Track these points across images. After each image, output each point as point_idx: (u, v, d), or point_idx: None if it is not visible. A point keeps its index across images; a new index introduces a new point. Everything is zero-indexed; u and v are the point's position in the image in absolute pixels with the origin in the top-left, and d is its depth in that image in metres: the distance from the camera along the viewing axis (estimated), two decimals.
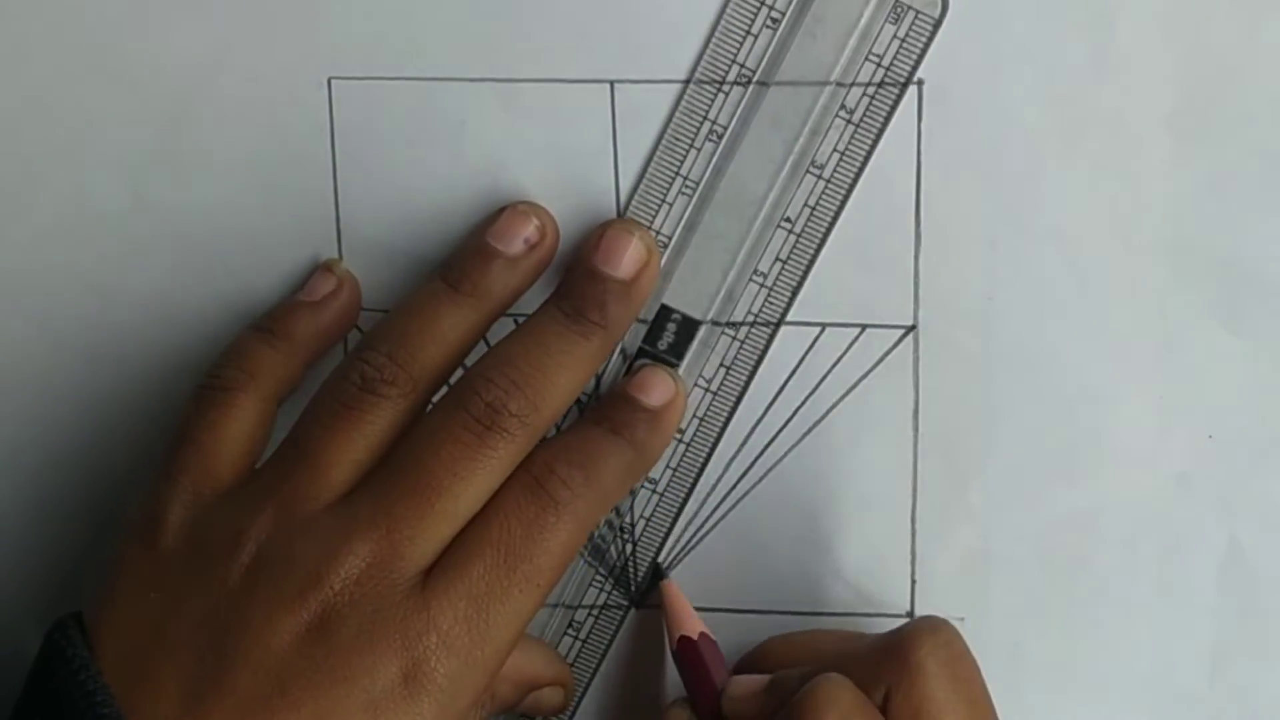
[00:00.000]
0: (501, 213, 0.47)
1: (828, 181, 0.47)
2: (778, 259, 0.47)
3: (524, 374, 0.44)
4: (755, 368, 0.48)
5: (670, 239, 0.48)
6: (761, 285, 0.48)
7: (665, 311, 0.48)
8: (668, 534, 0.50)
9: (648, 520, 0.50)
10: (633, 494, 0.49)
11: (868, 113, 0.46)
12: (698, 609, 0.48)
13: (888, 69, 0.46)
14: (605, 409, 0.47)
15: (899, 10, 0.46)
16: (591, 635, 0.51)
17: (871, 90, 0.46)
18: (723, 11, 0.46)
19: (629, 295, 0.46)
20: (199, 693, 0.41)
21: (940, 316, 0.47)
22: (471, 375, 0.44)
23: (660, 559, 0.50)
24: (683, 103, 0.47)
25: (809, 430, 0.48)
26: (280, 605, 0.41)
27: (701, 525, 0.50)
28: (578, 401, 0.48)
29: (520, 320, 0.47)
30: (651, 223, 0.48)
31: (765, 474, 0.49)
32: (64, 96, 0.49)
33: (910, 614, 0.49)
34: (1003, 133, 0.46)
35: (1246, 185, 0.46)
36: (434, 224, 0.49)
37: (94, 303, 0.50)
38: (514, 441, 0.44)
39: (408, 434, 0.44)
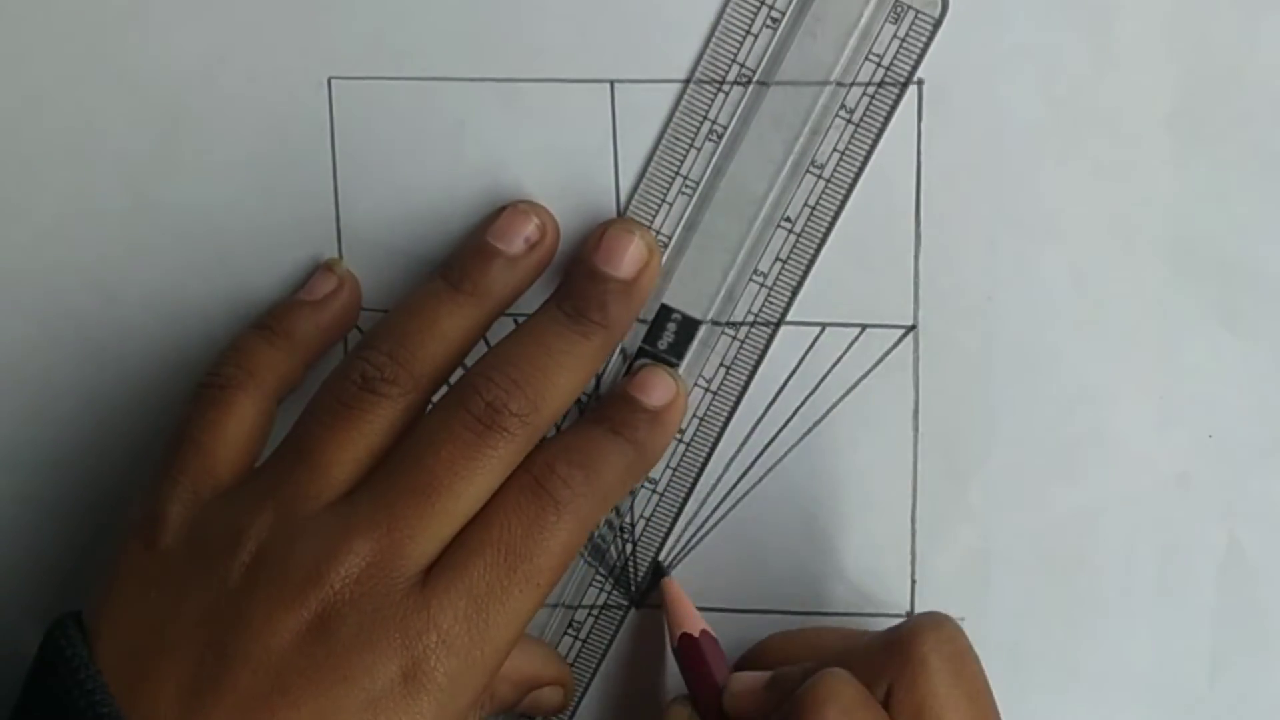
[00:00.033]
0: (502, 212, 0.47)
1: (828, 181, 0.47)
2: (778, 259, 0.47)
3: (525, 373, 0.44)
4: (755, 368, 0.48)
5: (670, 239, 0.48)
6: (761, 285, 0.48)
7: (665, 311, 0.48)
8: (668, 534, 0.50)
9: (648, 520, 0.50)
10: (633, 494, 0.49)
11: (868, 112, 0.46)
12: (698, 608, 0.48)
13: (888, 69, 0.46)
14: (606, 409, 0.47)
15: (899, 10, 0.46)
16: (591, 635, 0.51)
17: (871, 90, 0.46)
18: (723, 11, 0.46)
19: (630, 295, 0.46)
20: (199, 691, 0.41)
21: (940, 316, 0.47)
22: (472, 375, 0.44)
23: (660, 558, 0.50)
24: (683, 102, 0.47)
25: (809, 430, 0.48)
26: (280, 604, 0.41)
27: (701, 525, 0.50)
28: (578, 401, 0.48)
29: (520, 320, 0.47)
30: (651, 222, 0.48)
31: (765, 474, 0.49)
32: (64, 96, 0.49)
33: (910, 614, 0.49)
34: (1003, 133, 0.46)
35: (1246, 185, 0.46)
36: (434, 224, 0.49)
37: (94, 302, 0.50)
38: (514, 441, 0.44)
39: (409, 433, 0.44)
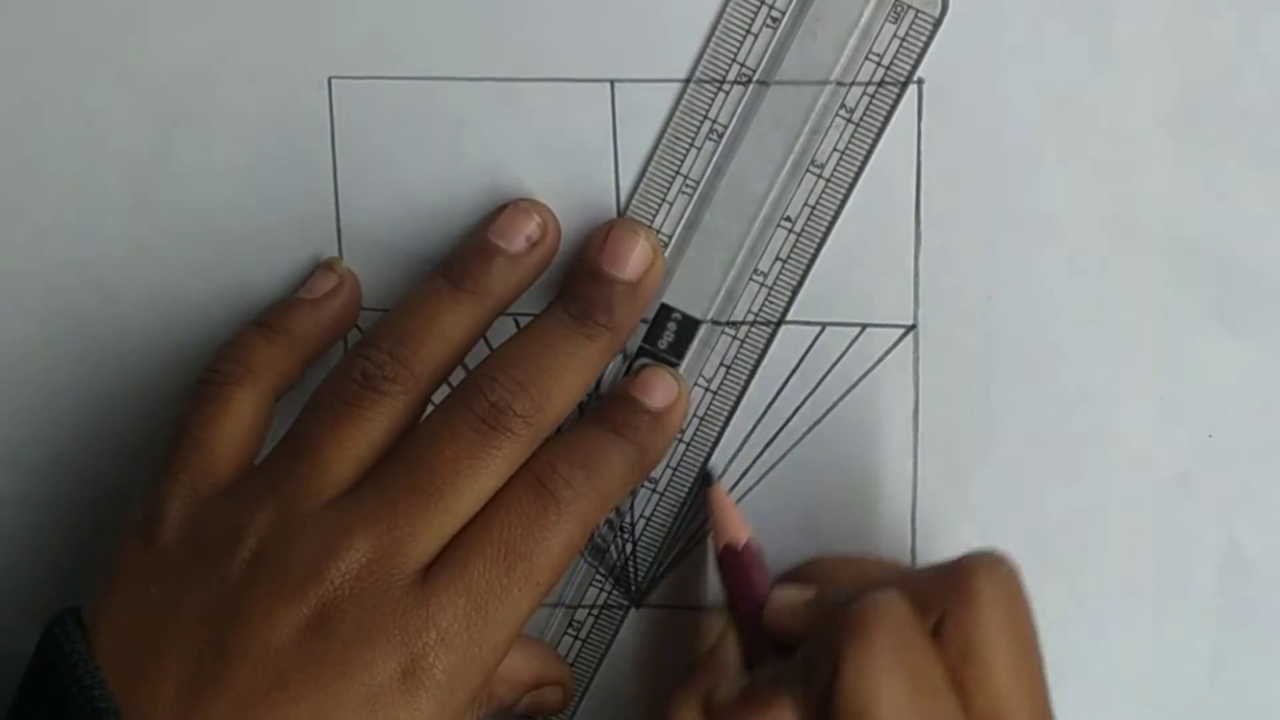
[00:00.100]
0: (503, 210, 0.47)
1: (828, 181, 0.47)
2: (778, 258, 0.47)
3: (529, 375, 0.44)
4: (755, 367, 0.48)
5: (670, 238, 0.48)
6: (762, 284, 0.48)
7: (665, 311, 0.48)
8: (668, 534, 0.50)
9: (648, 520, 0.50)
10: (633, 494, 0.49)
11: (868, 112, 0.46)
12: (699, 608, 0.48)
13: (888, 68, 0.46)
14: (608, 409, 0.47)
15: (899, 9, 0.46)
16: (591, 635, 0.51)
17: (871, 89, 0.46)
18: (723, 11, 0.46)
19: (635, 296, 0.46)
20: (198, 688, 0.41)
21: (940, 316, 0.47)
22: (477, 375, 0.44)
23: (709, 467, 0.49)
24: (683, 102, 0.47)
25: (809, 430, 0.48)
26: (280, 600, 0.41)
27: (702, 524, 0.49)
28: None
29: (521, 319, 0.47)
30: (652, 222, 0.48)
31: (765, 474, 0.49)
32: (64, 96, 0.49)
33: None
34: (1003, 133, 0.46)
35: (1246, 185, 0.46)
36: (434, 223, 0.49)
37: (95, 302, 0.50)
38: (518, 441, 0.44)
39: (412, 431, 0.44)
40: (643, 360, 0.48)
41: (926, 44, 0.46)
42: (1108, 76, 0.46)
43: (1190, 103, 0.45)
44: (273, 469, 0.44)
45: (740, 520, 0.47)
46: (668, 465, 0.49)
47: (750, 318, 0.48)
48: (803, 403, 0.48)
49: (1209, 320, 0.47)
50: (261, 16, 0.48)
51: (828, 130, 0.47)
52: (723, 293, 0.48)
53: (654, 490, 0.49)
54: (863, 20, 0.46)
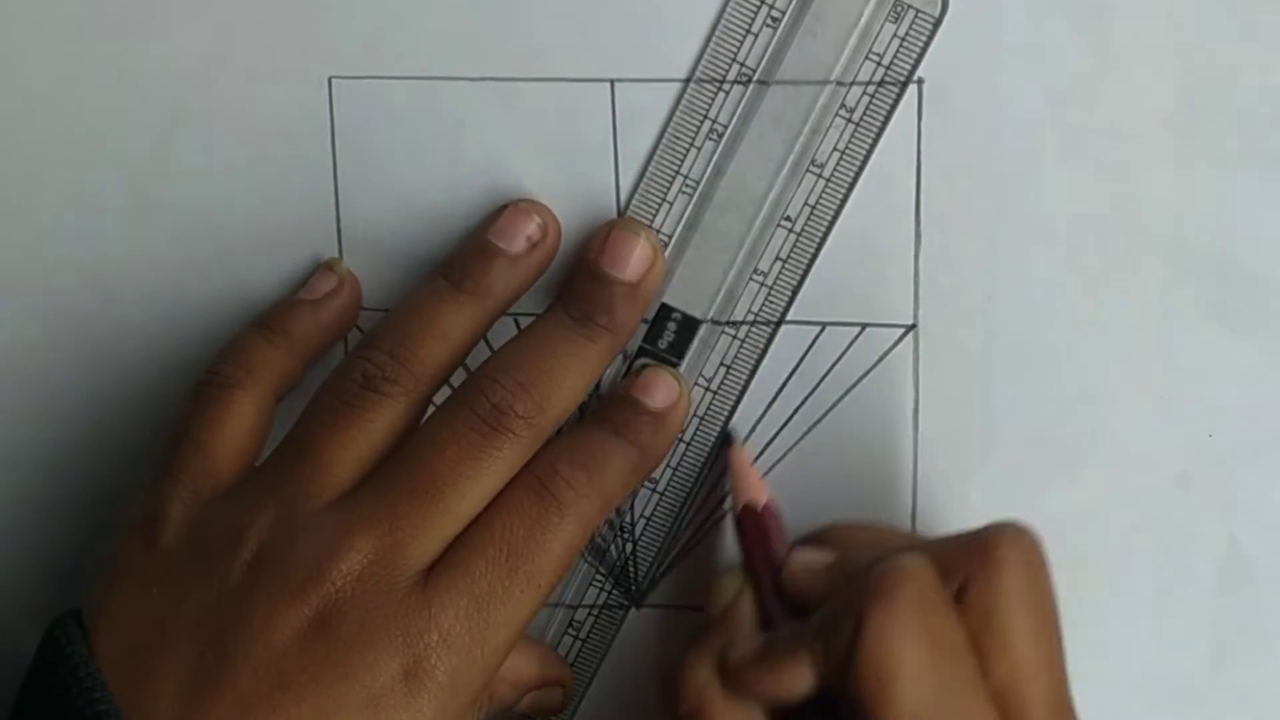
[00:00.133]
0: (503, 210, 0.47)
1: (828, 180, 0.47)
2: (778, 258, 0.47)
3: (531, 376, 0.44)
4: (755, 367, 0.48)
5: (671, 238, 0.48)
6: (762, 284, 0.48)
7: (665, 310, 0.48)
8: (668, 534, 0.50)
9: (648, 520, 0.50)
10: (633, 494, 0.49)
11: (868, 112, 0.46)
12: (699, 607, 0.48)
13: (888, 68, 0.46)
14: (609, 410, 0.47)
15: (899, 9, 0.46)
16: (591, 635, 0.51)
17: (871, 89, 0.46)
18: (723, 10, 0.46)
19: (635, 297, 0.46)
20: (199, 689, 0.41)
21: (940, 316, 0.47)
22: (478, 376, 0.44)
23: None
24: (683, 102, 0.47)
25: (809, 430, 0.48)
26: (281, 601, 0.41)
27: (702, 525, 0.49)
28: None
29: (522, 320, 0.47)
30: (652, 222, 0.48)
31: (765, 474, 0.49)
32: (64, 96, 0.49)
33: None
34: (1003, 132, 0.46)
35: (1246, 185, 0.46)
36: (434, 224, 0.49)
37: (95, 302, 0.50)
38: (519, 442, 0.44)
39: (413, 433, 0.44)
40: (643, 360, 0.48)
41: (926, 44, 0.46)
42: (1108, 76, 0.46)
43: (1190, 103, 0.45)
44: (273, 470, 0.44)
45: (760, 481, 0.47)
46: (668, 465, 0.49)
47: (750, 317, 0.48)
48: (803, 403, 0.48)
49: (1209, 320, 0.47)
50: (261, 16, 0.48)
51: (828, 130, 0.47)
52: (723, 292, 0.48)
53: (654, 490, 0.49)
54: (863, 20, 0.46)
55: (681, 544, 0.50)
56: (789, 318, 0.48)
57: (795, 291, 0.48)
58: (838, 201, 0.47)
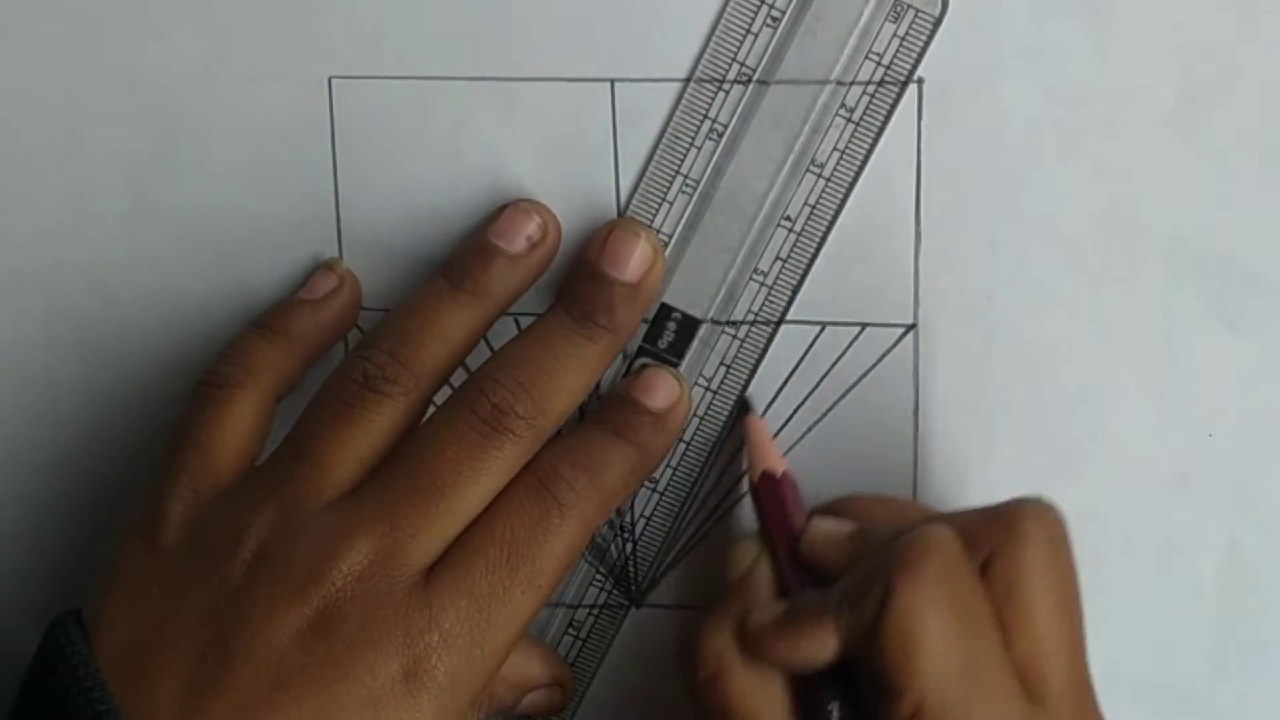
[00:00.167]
0: (503, 210, 0.47)
1: (828, 180, 0.47)
2: (778, 258, 0.47)
3: (531, 376, 0.44)
4: (755, 367, 0.48)
5: (671, 238, 0.48)
6: (762, 284, 0.48)
7: (665, 310, 0.48)
8: (668, 534, 0.50)
9: (648, 520, 0.50)
10: (633, 493, 0.49)
11: (868, 111, 0.46)
12: (699, 607, 0.48)
13: (888, 68, 0.46)
14: (609, 411, 0.47)
15: (899, 9, 0.46)
16: (591, 635, 0.51)
17: (871, 89, 0.46)
18: (723, 10, 0.46)
19: (636, 298, 0.46)
20: (199, 688, 0.41)
21: (940, 315, 0.47)
22: (479, 376, 0.44)
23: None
24: (683, 101, 0.47)
25: (809, 430, 0.48)
26: (281, 601, 0.41)
27: (702, 524, 0.49)
28: None
29: (522, 320, 0.47)
30: (652, 222, 0.48)
31: None
32: (64, 96, 0.49)
33: None
34: (1003, 132, 0.46)
35: (1246, 185, 0.46)
36: (434, 224, 0.49)
37: (95, 302, 0.50)
38: (520, 443, 0.44)
39: (413, 433, 0.44)
40: (643, 360, 0.48)
41: (926, 43, 0.46)
42: (1108, 76, 0.46)
43: (1190, 103, 0.45)
44: (274, 470, 0.44)
45: (776, 450, 0.47)
46: (668, 465, 0.49)
47: (750, 317, 0.48)
48: (803, 403, 0.48)
49: (1209, 320, 0.47)
50: (261, 16, 0.48)
51: (828, 130, 0.47)
52: (723, 292, 0.48)
53: (654, 490, 0.49)
54: (863, 20, 0.46)
55: (682, 544, 0.50)
56: (789, 318, 0.48)
57: (795, 291, 0.48)
58: (838, 201, 0.47)
